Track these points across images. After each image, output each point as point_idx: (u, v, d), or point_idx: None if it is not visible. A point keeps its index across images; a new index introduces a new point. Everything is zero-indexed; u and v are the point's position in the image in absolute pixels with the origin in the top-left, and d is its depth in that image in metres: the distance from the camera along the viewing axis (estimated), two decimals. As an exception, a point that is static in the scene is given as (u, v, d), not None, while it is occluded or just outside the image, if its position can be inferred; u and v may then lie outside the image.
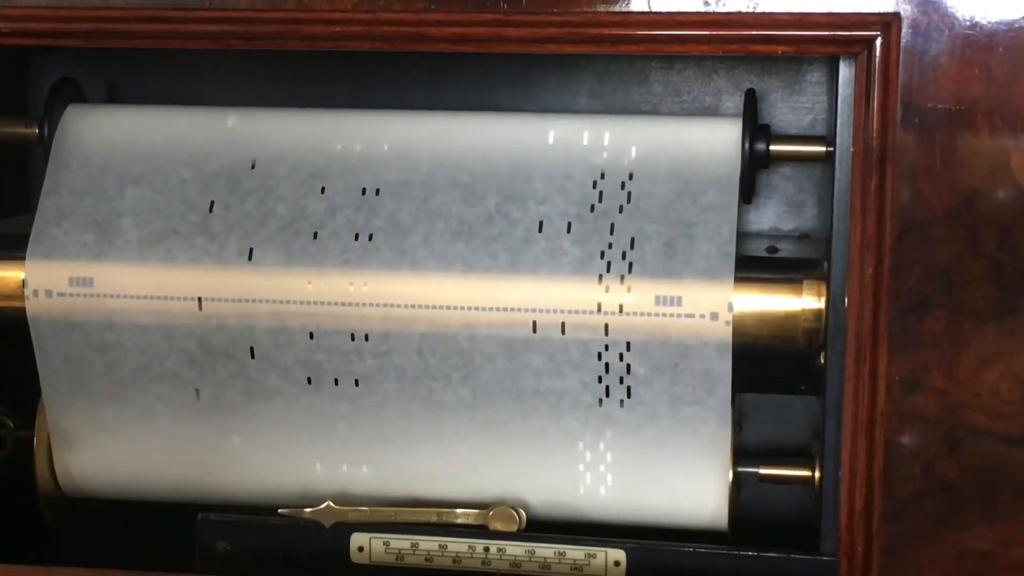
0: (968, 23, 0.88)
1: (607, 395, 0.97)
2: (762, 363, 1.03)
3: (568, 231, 0.97)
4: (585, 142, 1.00)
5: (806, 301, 0.97)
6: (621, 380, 0.97)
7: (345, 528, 1.00)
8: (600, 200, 0.98)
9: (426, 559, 1.00)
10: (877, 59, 0.89)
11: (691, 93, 1.12)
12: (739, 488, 1.01)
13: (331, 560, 1.00)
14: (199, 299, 0.99)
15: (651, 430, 0.98)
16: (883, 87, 0.89)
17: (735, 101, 1.11)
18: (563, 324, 0.96)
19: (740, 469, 1.00)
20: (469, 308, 0.97)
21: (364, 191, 1.00)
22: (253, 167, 1.01)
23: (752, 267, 0.98)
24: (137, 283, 1.00)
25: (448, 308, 0.97)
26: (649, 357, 0.96)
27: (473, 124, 1.03)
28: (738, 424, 1.01)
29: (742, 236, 0.99)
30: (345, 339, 0.98)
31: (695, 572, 0.97)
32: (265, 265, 0.99)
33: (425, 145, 1.01)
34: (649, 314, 0.96)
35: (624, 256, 0.97)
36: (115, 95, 1.16)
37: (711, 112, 1.11)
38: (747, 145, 1.00)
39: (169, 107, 1.07)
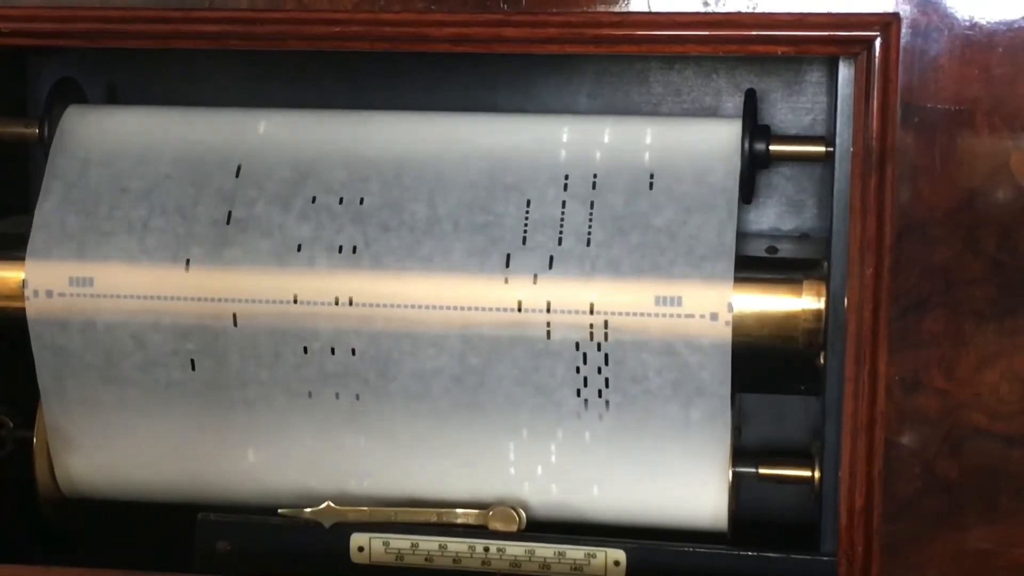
0: (968, 23, 0.88)
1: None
2: (762, 363, 1.03)
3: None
4: (584, 142, 1.00)
5: (806, 301, 0.97)
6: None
7: (345, 528, 1.00)
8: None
9: (426, 559, 1.00)
10: (877, 59, 0.89)
11: (691, 93, 1.12)
12: (739, 488, 1.01)
13: (331, 560, 1.00)
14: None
15: (651, 430, 0.98)
16: (883, 87, 0.89)
17: (735, 101, 1.11)
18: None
19: (740, 469, 1.00)
20: (465, 308, 0.97)
21: (359, 190, 1.00)
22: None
23: (752, 267, 0.98)
24: (137, 283, 1.00)
25: (445, 308, 0.97)
26: (649, 357, 0.96)
27: (472, 125, 1.03)
28: (738, 429, 1.01)
29: (742, 236, 0.99)
30: (343, 339, 0.98)
31: (695, 572, 0.97)
32: (265, 265, 0.99)
33: (421, 147, 1.01)
34: (649, 314, 0.96)
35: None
36: (115, 95, 1.16)
37: (711, 112, 1.11)
38: (747, 145, 1.00)
39: (169, 107, 1.07)
